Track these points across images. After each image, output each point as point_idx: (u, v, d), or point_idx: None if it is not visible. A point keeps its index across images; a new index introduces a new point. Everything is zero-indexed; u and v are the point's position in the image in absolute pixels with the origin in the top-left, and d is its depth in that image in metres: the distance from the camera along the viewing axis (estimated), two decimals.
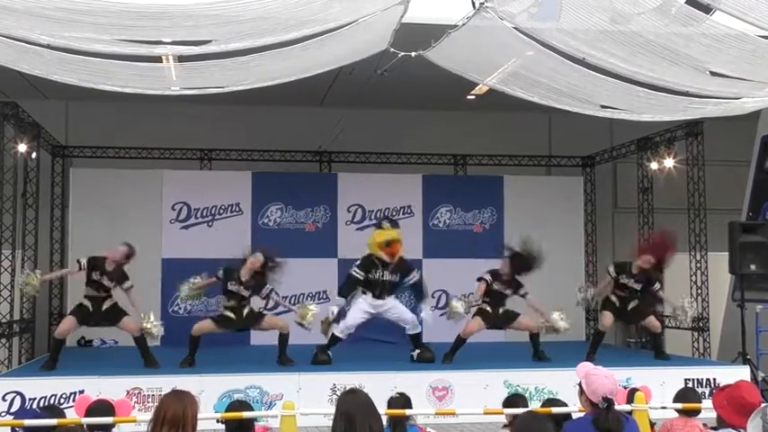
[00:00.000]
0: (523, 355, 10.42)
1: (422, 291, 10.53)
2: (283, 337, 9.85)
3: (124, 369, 9.27)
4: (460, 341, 10.23)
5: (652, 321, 10.78)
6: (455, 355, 10.18)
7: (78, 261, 9.75)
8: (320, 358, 9.80)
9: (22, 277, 9.83)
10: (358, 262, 10.28)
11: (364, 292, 10.18)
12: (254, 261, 9.73)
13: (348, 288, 10.24)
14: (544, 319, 10.27)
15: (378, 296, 10.14)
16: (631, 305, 10.62)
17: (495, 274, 10.33)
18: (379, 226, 10.49)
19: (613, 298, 10.67)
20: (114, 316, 9.66)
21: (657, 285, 10.62)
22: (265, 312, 10.36)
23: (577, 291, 10.98)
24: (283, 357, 9.78)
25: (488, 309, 10.33)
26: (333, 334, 10.07)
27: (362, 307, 10.16)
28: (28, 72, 7.28)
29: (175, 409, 3.79)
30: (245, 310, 9.82)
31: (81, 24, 5.90)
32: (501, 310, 10.38)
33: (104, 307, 9.63)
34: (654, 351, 11.04)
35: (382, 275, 10.08)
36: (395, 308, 10.31)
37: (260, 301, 10.11)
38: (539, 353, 10.36)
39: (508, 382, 9.15)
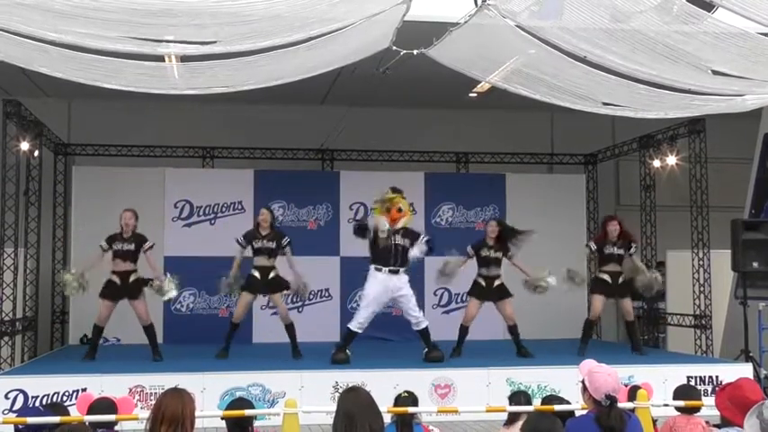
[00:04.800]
0: None
1: (431, 247, 10.19)
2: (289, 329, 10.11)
3: (126, 367, 9.30)
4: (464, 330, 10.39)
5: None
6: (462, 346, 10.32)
7: (100, 246, 9.95)
8: (337, 357, 9.63)
9: (66, 280, 9.95)
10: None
11: (378, 269, 9.79)
12: (263, 215, 10.25)
13: (360, 230, 10.06)
14: (529, 278, 10.39)
15: (393, 266, 9.76)
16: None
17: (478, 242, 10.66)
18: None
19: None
20: (135, 290, 9.86)
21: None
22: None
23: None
24: (295, 351, 10.04)
25: (482, 283, 10.45)
26: (348, 329, 9.93)
27: (375, 294, 9.80)
28: (34, 70, 7.27)
29: (174, 407, 3.81)
30: (271, 274, 10.08)
31: (90, 20, 5.89)
32: (494, 284, 10.46)
33: (131, 279, 9.87)
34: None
35: (393, 239, 9.80)
36: (407, 297, 9.91)
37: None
38: (521, 350, 10.40)
39: (511, 380, 9.14)
